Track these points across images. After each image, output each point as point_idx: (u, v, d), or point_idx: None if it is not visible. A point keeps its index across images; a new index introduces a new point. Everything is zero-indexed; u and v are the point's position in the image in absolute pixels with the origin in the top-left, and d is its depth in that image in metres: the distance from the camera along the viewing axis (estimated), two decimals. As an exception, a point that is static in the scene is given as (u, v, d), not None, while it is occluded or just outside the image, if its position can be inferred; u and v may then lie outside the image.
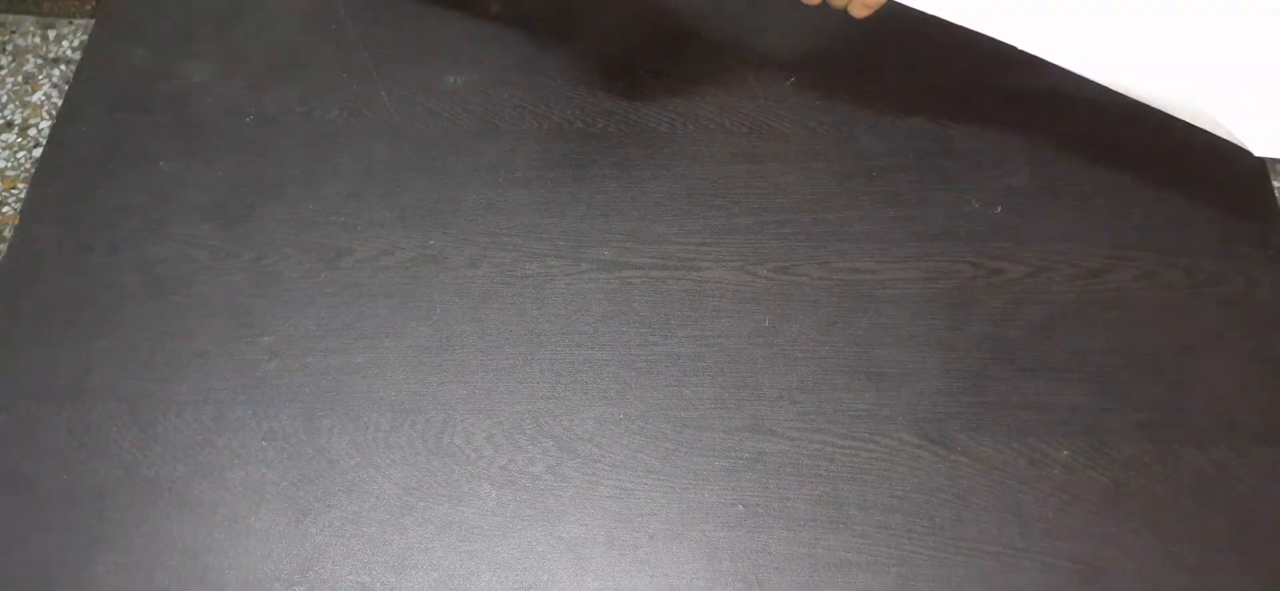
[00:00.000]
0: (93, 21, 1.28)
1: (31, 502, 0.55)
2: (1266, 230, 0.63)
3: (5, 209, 1.28)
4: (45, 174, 0.68)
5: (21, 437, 0.57)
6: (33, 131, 1.35)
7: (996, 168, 0.66)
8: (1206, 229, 0.63)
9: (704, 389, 0.58)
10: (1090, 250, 0.62)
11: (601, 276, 0.62)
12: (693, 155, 0.67)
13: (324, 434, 0.57)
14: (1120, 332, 0.59)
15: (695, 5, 0.74)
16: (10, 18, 1.45)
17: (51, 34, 1.44)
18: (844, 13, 0.59)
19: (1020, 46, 0.57)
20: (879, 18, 0.59)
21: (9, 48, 1.42)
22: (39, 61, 1.41)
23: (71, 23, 1.45)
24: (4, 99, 1.38)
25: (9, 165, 1.32)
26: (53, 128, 0.70)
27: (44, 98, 1.38)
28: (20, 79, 1.40)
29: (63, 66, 1.41)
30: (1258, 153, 0.56)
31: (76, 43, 1.43)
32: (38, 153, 1.32)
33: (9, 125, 1.35)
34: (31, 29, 1.45)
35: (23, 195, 1.26)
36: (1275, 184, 0.66)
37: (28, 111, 1.37)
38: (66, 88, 0.76)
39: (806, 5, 0.60)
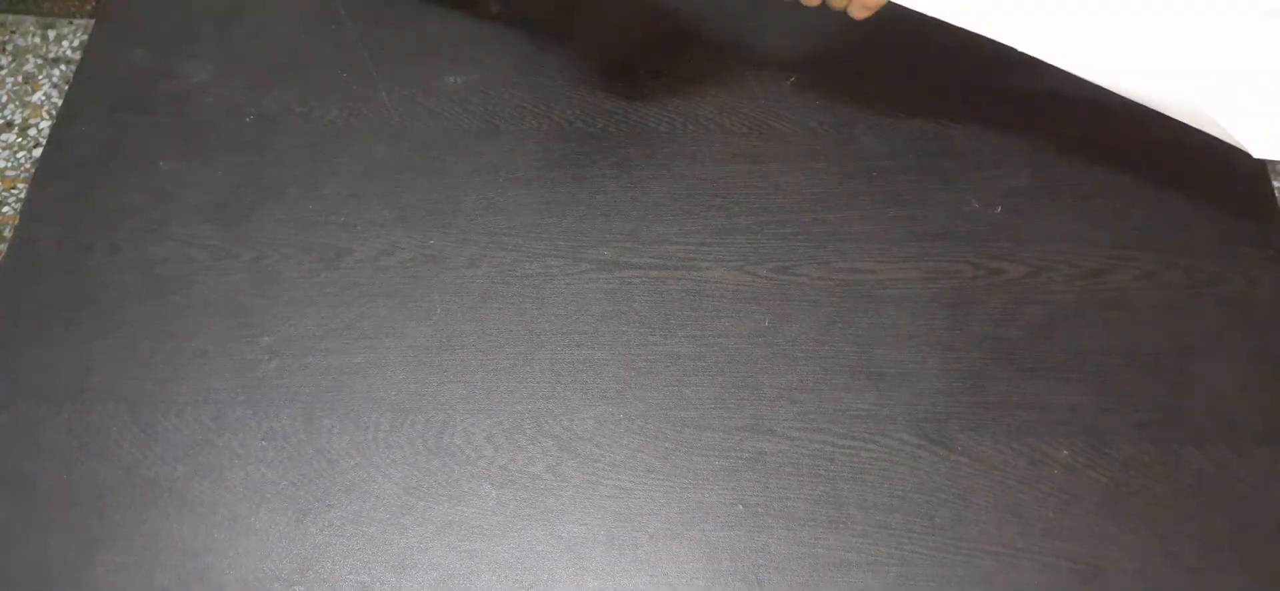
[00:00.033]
0: (93, 21, 1.28)
1: (31, 502, 0.55)
2: (1266, 230, 0.63)
3: (5, 209, 1.28)
4: (45, 174, 0.68)
5: (21, 437, 0.57)
6: (33, 131, 1.35)
7: (996, 168, 0.66)
8: (1206, 229, 0.63)
9: (704, 389, 0.58)
10: (1090, 250, 0.62)
11: (601, 276, 0.62)
12: (693, 155, 0.67)
13: (324, 434, 0.57)
14: (1120, 332, 0.59)
15: (695, 5, 0.74)
16: (10, 18, 1.45)
17: (51, 34, 1.44)
18: (844, 14, 0.59)
19: (1020, 48, 0.57)
20: (878, 18, 0.59)
21: (9, 48, 1.42)
22: (39, 61, 1.41)
23: (71, 23, 1.45)
24: (4, 99, 1.38)
25: (9, 165, 1.32)
26: (53, 128, 0.70)
27: (44, 98, 1.38)
28: (20, 79, 1.40)
29: (63, 66, 1.41)
30: (1257, 155, 0.56)
31: (76, 43, 1.43)
32: (38, 153, 1.32)
33: (9, 125, 1.36)
34: (31, 29, 1.45)
35: (23, 195, 1.26)
36: (1275, 184, 0.66)
37: (28, 111, 1.37)
38: (66, 88, 0.76)
39: (806, 6, 0.60)
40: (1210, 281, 0.61)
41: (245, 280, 0.62)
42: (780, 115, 0.69)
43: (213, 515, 0.54)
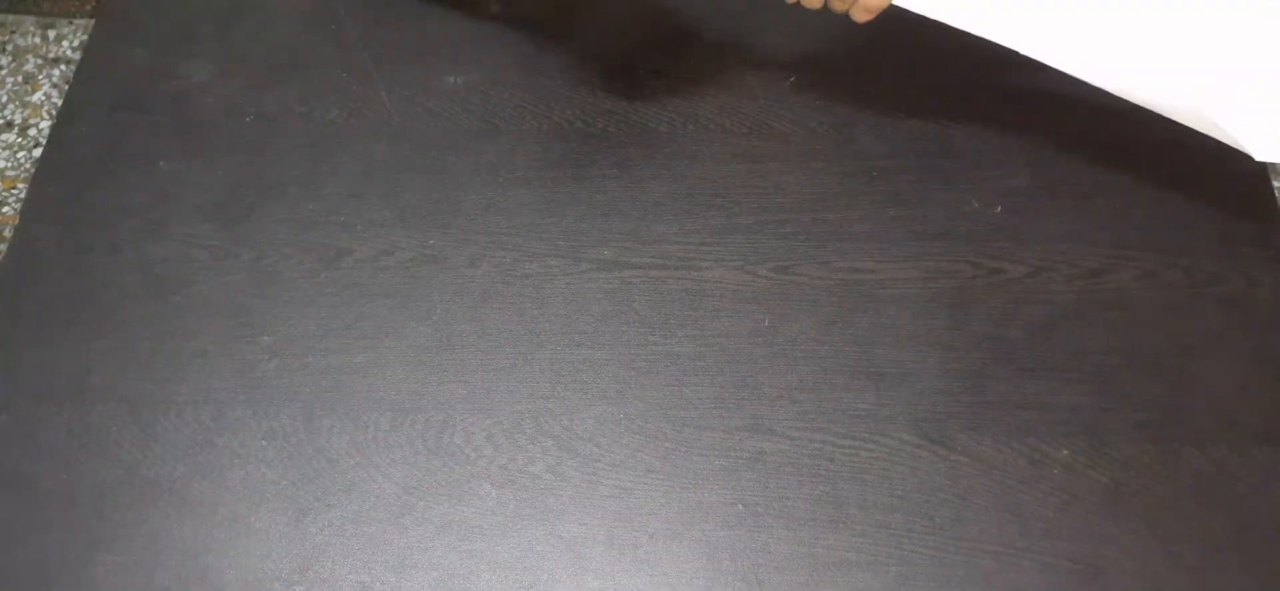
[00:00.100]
0: (93, 21, 1.28)
1: (31, 502, 0.55)
2: (1266, 230, 0.63)
3: (5, 209, 1.28)
4: (45, 174, 0.68)
5: (21, 437, 0.57)
6: (33, 131, 1.35)
7: (996, 168, 0.66)
8: (1206, 229, 0.63)
9: (704, 388, 0.58)
10: (1090, 250, 0.62)
11: (601, 276, 0.62)
12: (693, 155, 0.67)
13: (324, 434, 0.57)
14: (1120, 332, 0.59)
15: (695, 5, 0.74)
16: (10, 18, 1.45)
17: (51, 34, 1.44)
18: (845, 15, 0.59)
19: (1022, 51, 0.57)
20: (879, 19, 0.59)
21: (9, 48, 1.43)
22: (39, 61, 1.41)
23: (71, 23, 1.45)
24: (4, 99, 1.38)
25: (9, 165, 1.32)
26: (53, 128, 0.70)
27: (44, 98, 1.38)
28: (20, 79, 1.40)
29: (63, 66, 1.41)
30: (1258, 157, 0.56)
31: (76, 43, 1.43)
32: (38, 153, 1.32)
33: (9, 125, 1.36)
34: (31, 29, 1.45)
35: (23, 195, 1.26)
36: (1275, 184, 0.66)
37: (28, 111, 1.37)
38: (66, 88, 0.76)
39: (808, 7, 0.60)
40: (1210, 281, 0.61)
41: (245, 280, 0.62)
42: (780, 115, 0.69)
43: (213, 515, 0.54)
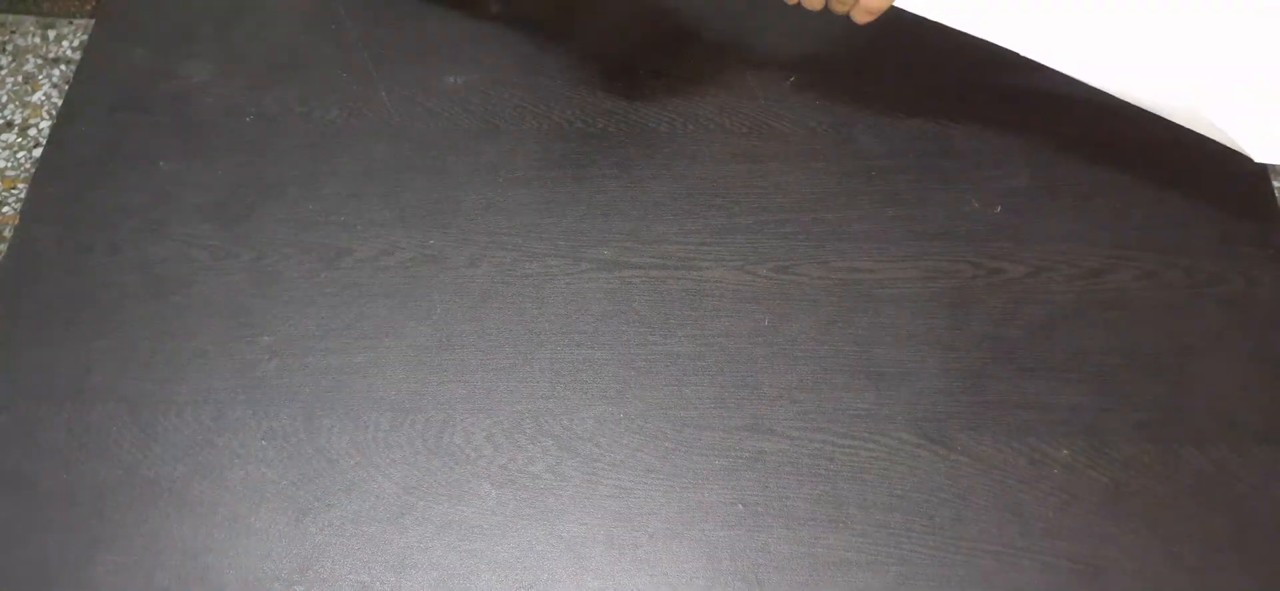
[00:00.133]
0: (93, 21, 1.28)
1: (31, 502, 0.55)
2: (1266, 230, 0.63)
3: (5, 209, 1.28)
4: (45, 174, 0.68)
5: (21, 437, 0.57)
6: (33, 131, 1.35)
7: (996, 168, 0.66)
8: (1206, 229, 0.63)
9: (704, 388, 0.58)
10: (1090, 250, 0.62)
11: (601, 276, 0.62)
12: (693, 155, 0.67)
13: (324, 434, 0.57)
14: (1120, 332, 0.59)
15: (695, 5, 0.74)
16: (10, 18, 1.45)
17: (51, 34, 1.44)
18: (845, 16, 0.59)
19: (1022, 53, 0.57)
20: (879, 20, 0.59)
21: (9, 48, 1.43)
22: (39, 61, 1.41)
23: (71, 23, 1.45)
24: (4, 99, 1.38)
25: (9, 165, 1.32)
26: (53, 128, 0.70)
27: (44, 98, 1.38)
28: (20, 79, 1.40)
29: (63, 66, 1.41)
30: (1257, 158, 0.56)
31: (76, 43, 1.43)
32: (38, 153, 1.32)
33: (9, 125, 1.36)
34: (31, 29, 1.45)
35: (23, 195, 1.26)
36: (1275, 184, 0.66)
37: (28, 111, 1.37)
38: (66, 88, 0.76)
39: (808, 9, 0.60)
40: (1210, 281, 0.61)
41: (245, 280, 0.62)
42: (780, 115, 0.69)
43: (213, 515, 0.55)
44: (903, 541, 0.53)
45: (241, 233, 0.64)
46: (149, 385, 0.59)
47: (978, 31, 0.57)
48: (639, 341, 0.60)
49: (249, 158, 0.68)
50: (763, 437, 0.56)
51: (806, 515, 0.54)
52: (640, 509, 0.54)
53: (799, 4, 0.60)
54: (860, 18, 0.59)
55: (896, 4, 0.57)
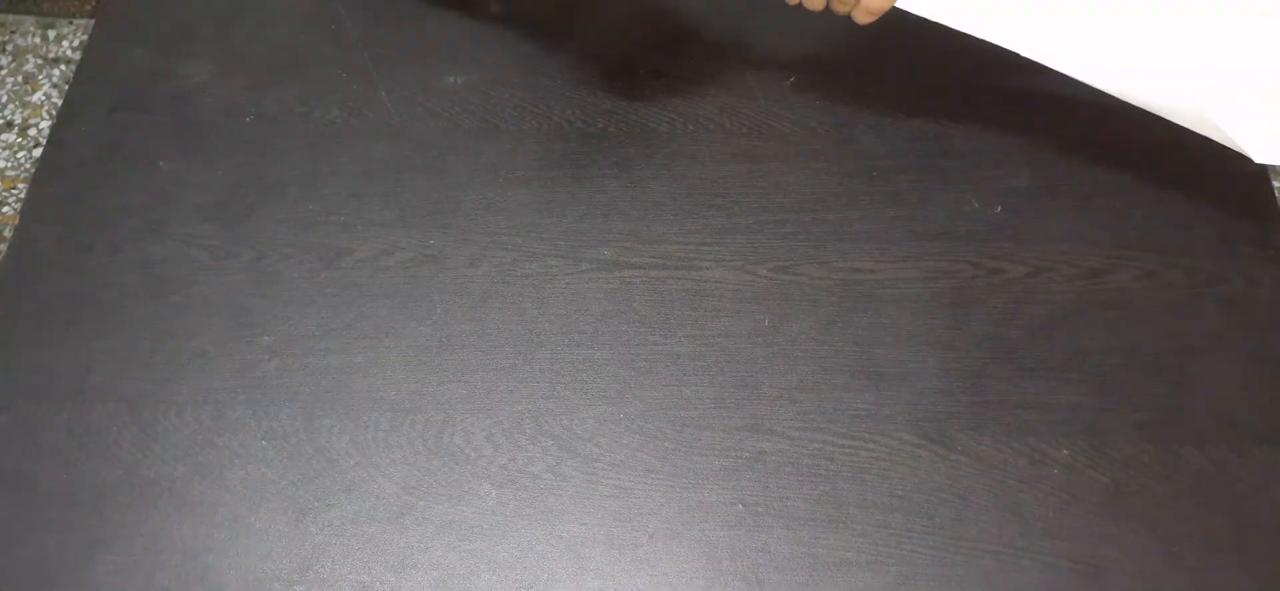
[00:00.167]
0: (93, 21, 1.28)
1: (31, 502, 0.55)
2: (1266, 230, 0.63)
3: (5, 209, 1.28)
4: (45, 174, 0.68)
5: (21, 437, 0.57)
6: (33, 131, 1.35)
7: (996, 168, 0.66)
8: (1206, 229, 0.63)
9: (704, 388, 0.58)
10: (1090, 250, 0.62)
11: (601, 276, 0.62)
12: (693, 155, 0.67)
13: (324, 434, 0.57)
14: (1120, 332, 0.59)
15: (695, 5, 0.74)
16: (10, 18, 1.45)
17: (51, 34, 1.44)
18: (846, 17, 0.59)
19: (1024, 54, 0.57)
20: (880, 20, 0.59)
21: (9, 48, 1.43)
22: (39, 61, 1.41)
23: (71, 23, 1.45)
24: (4, 99, 1.38)
25: (9, 165, 1.32)
26: (53, 128, 0.70)
27: (44, 98, 1.38)
28: (20, 79, 1.40)
29: (63, 66, 1.41)
30: (1259, 159, 0.56)
31: (76, 43, 1.43)
32: (38, 153, 1.32)
33: (9, 125, 1.36)
34: (31, 29, 1.45)
35: (23, 195, 1.26)
36: (1275, 184, 0.66)
37: (28, 111, 1.37)
38: (66, 88, 0.76)
39: (810, 10, 0.60)
40: (1210, 281, 0.61)
41: (245, 280, 0.62)
42: (780, 115, 0.69)
43: (213, 515, 0.54)
44: (903, 541, 0.53)
45: (241, 233, 0.64)
46: (149, 385, 0.59)
47: (980, 33, 0.57)
48: (639, 341, 0.60)
49: (249, 158, 0.68)
50: (763, 437, 0.56)
51: (806, 515, 0.54)
52: (640, 509, 0.54)
53: (800, 4, 0.60)
54: (862, 18, 0.59)
55: (898, 5, 0.57)
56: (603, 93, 0.70)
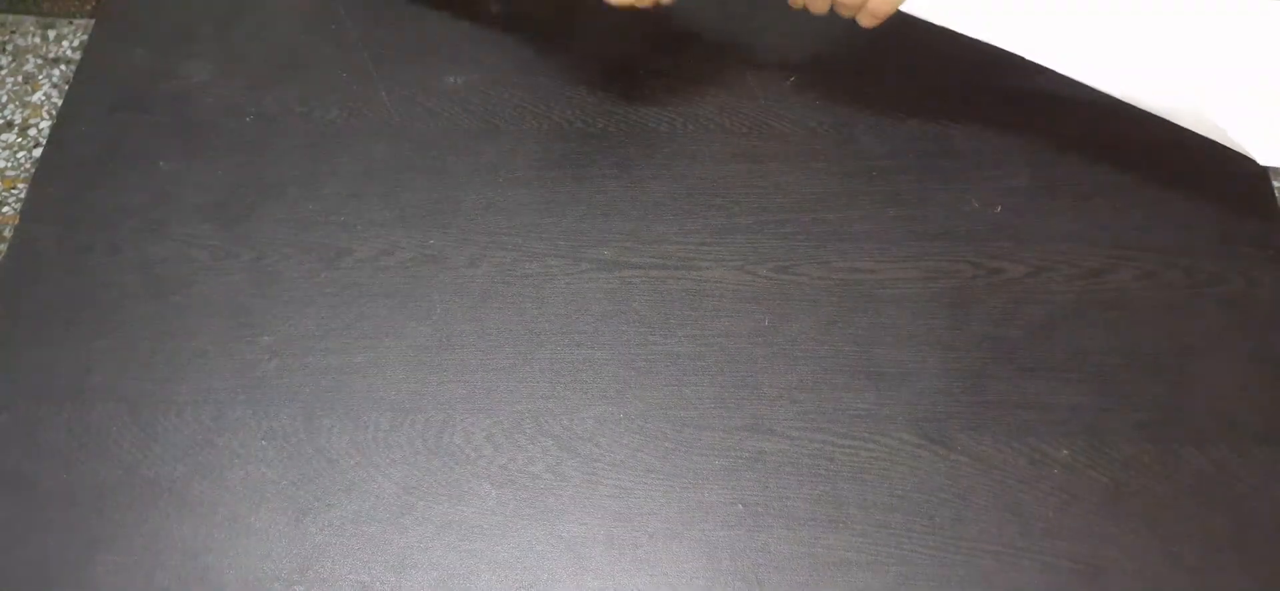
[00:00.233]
0: (93, 21, 1.28)
1: (31, 502, 0.55)
2: (1266, 230, 0.63)
3: (5, 209, 1.28)
4: (45, 174, 0.68)
5: (21, 437, 0.57)
6: (33, 131, 1.35)
7: (996, 168, 0.66)
8: (1206, 229, 0.63)
9: (704, 388, 0.58)
10: (1090, 250, 0.62)
11: (601, 276, 0.62)
12: (693, 155, 0.67)
13: (324, 434, 0.57)
14: (1120, 332, 0.59)
15: (695, 5, 0.74)
16: (10, 18, 1.45)
17: (51, 34, 1.44)
18: (850, 19, 0.59)
19: (1026, 56, 0.57)
20: (883, 22, 0.59)
21: (9, 48, 1.43)
22: (39, 61, 1.41)
23: (71, 23, 1.45)
24: (4, 99, 1.38)
25: (9, 165, 1.32)
26: (53, 128, 0.70)
27: (44, 98, 1.38)
28: (20, 79, 1.40)
29: (63, 66, 1.41)
30: (1263, 162, 0.56)
31: (76, 43, 1.43)
32: (38, 153, 1.32)
33: (9, 125, 1.36)
34: (31, 29, 1.45)
35: (23, 195, 1.26)
36: (1275, 184, 0.66)
37: (28, 111, 1.37)
38: (66, 88, 0.76)
39: (813, 13, 0.60)
40: (1210, 281, 0.61)
41: (245, 280, 0.62)
42: (780, 115, 0.69)
43: (213, 515, 0.54)
44: (903, 541, 0.53)
45: (241, 233, 0.64)
46: (149, 385, 0.59)
47: (983, 36, 0.57)
48: (639, 341, 0.60)
49: (249, 158, 0.68)
50: (763, 437, 0.56)
51: (806, 515, 0.54)
52: (640, 509, 0.54)
53: (804, 7, 0.60)
54: (866, 22, 0.59)
55: (902, 9, 0.57)
56: (603, 93, 0.70)
